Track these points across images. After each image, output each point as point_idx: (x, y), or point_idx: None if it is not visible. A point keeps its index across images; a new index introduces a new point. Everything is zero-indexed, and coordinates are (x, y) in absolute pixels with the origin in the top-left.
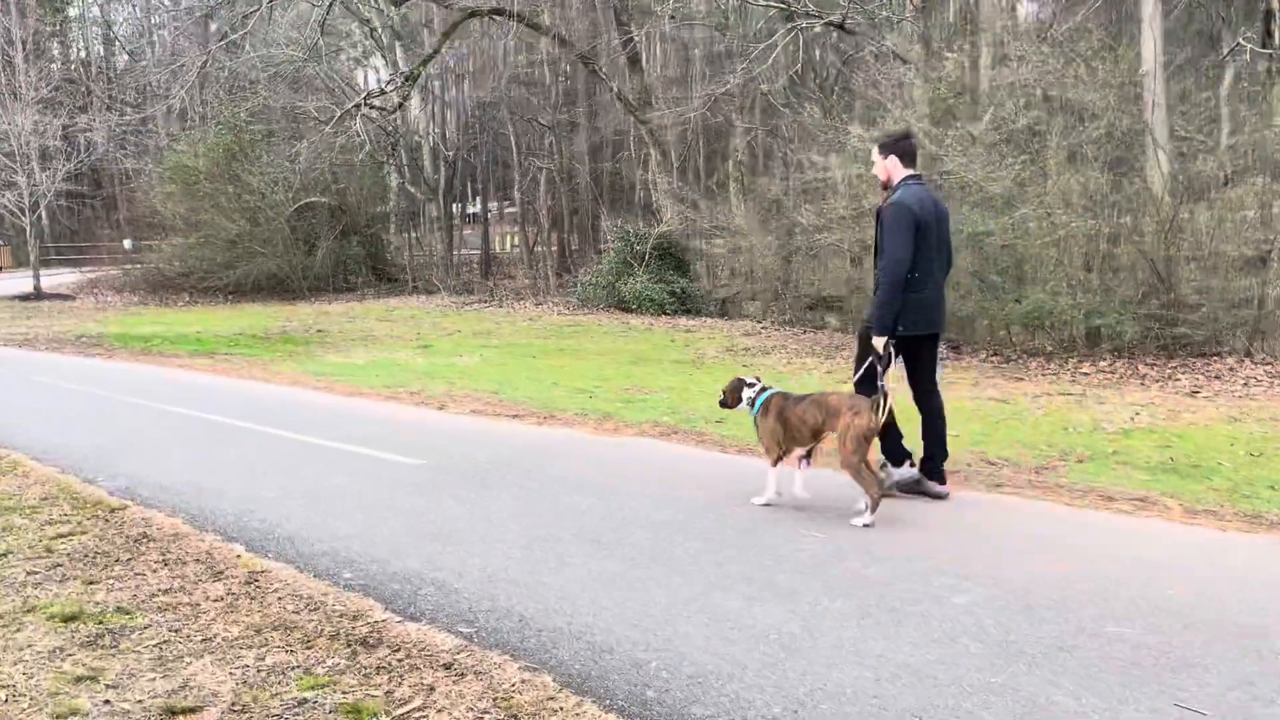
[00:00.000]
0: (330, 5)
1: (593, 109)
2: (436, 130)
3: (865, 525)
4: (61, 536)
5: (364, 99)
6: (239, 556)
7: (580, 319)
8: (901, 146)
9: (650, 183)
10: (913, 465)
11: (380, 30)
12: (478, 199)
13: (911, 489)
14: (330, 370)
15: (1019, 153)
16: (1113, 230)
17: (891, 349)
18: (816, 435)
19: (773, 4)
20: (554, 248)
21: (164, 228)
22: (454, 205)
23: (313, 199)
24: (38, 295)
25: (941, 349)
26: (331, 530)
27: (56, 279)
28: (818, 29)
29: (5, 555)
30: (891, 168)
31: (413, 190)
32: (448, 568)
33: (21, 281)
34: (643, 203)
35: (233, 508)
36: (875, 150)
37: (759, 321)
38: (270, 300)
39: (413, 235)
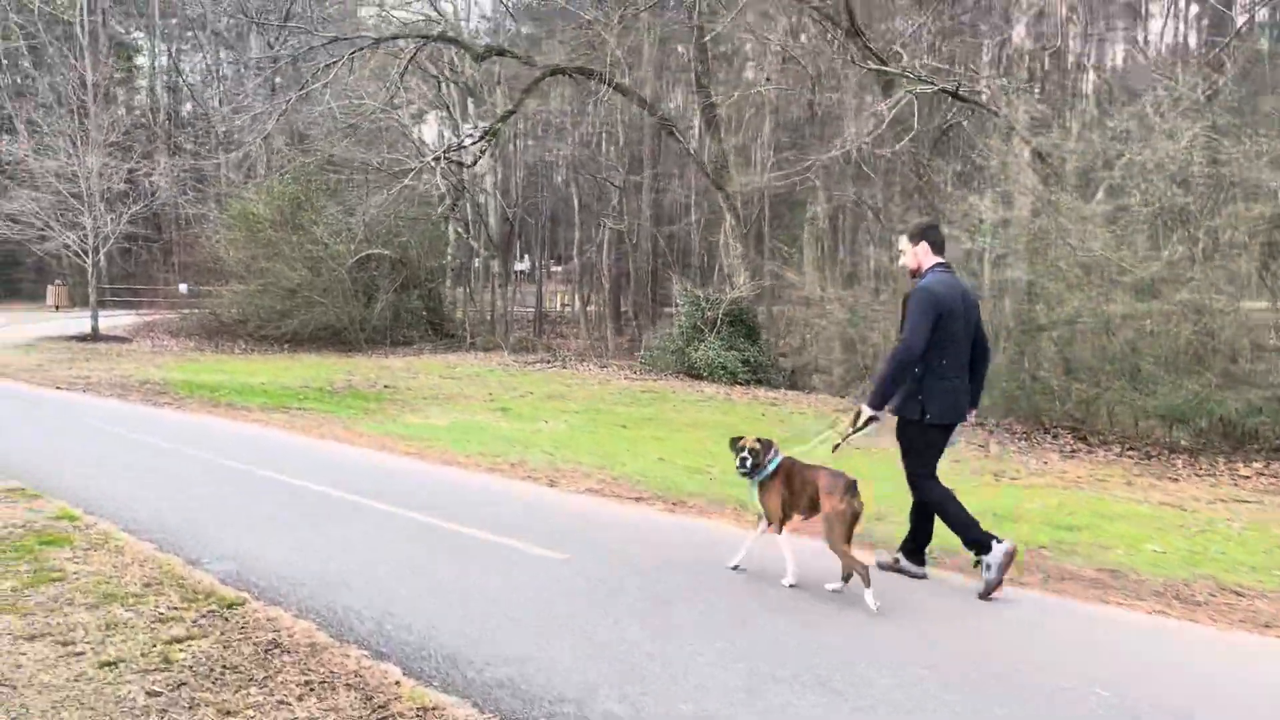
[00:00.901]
0: (411, 58)
1: (657, 170)
2: (499, 186)
3: (835, 589)
4: (178, 641)
5: (444, 152)
6: (398, 684)
7: (652, 385)
8: (930, 235)
9: (723, 247)
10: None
11: (448, 86)
12: (525, 256)
13: (890, 567)
14: (414, 433)
15: (1169, 232)
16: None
17: (876, 422)
18: (812, 506)
19: (885, 70)
20: (609, 309)
21: (223, 274)
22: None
23: (374, 251)
24: (95, 337)
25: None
26: (497, 649)
27: (113, 320)
28: (923, 92)
29: (116, 665)
30: (921, 255)
31: (474, 245)
32: (657, 717)
33: (79, 322)
34: (706, 266)
35: (368, 609)
36: (904, 239)
37: (840, 396)
38: (327, 351)
39: (468, 291)
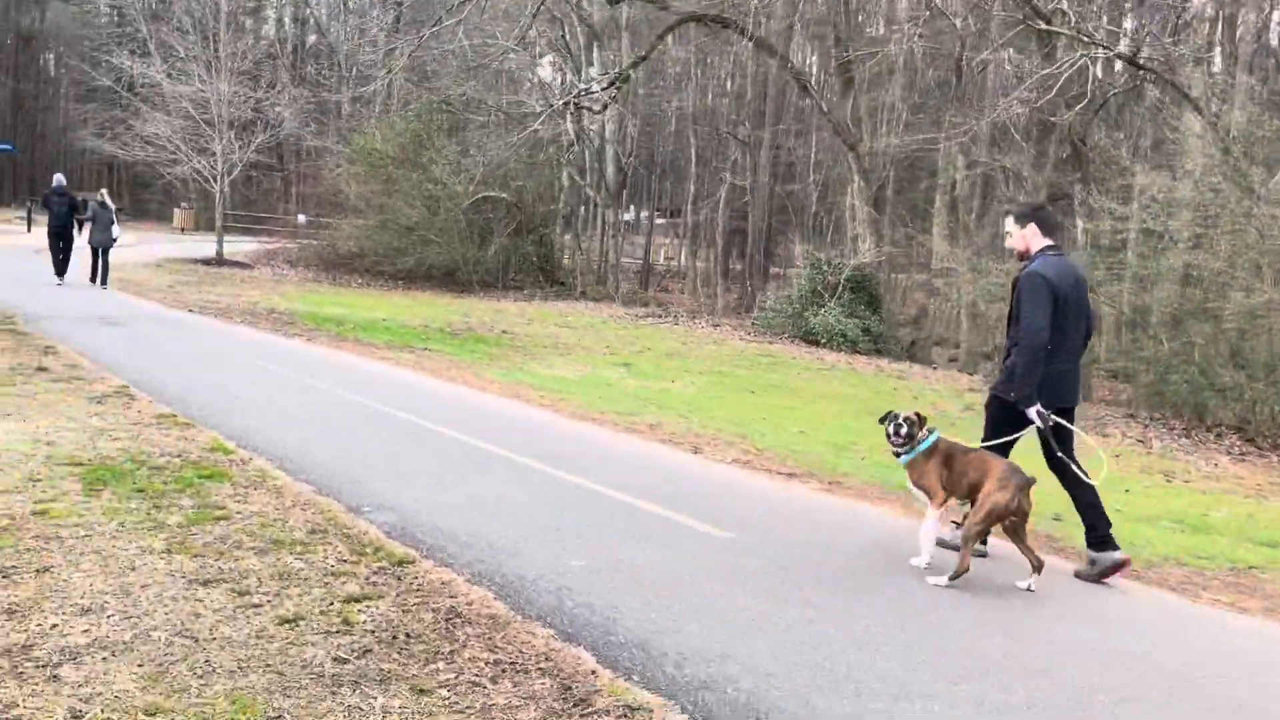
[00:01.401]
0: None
1: (779, 127)
2: (618, 133)
3: (942, 585)
4: (355, 601)
5: (574, 97)
6: (594, 674)
7: (769, 348)
8: (1039, 216)
9: (848, 209)
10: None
11: (573, 29)
12: (631, 206)
13: (1092, 575)
14: (544, 384)
15: None
16: None
17: (1052, 417)
18: (972, 492)
19: (1054, 30)
20: (719, 266)
21: (342, 207)
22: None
23: (491, 193)
24: (219, 261)
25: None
26: (689, 642)
27: (235, 246)
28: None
29: (296, 623)
30: (1030, 237)
31: (591, 193)
32: None
33: (203, 246)
34: (826, 229)
35: (544, 581)
36: (1011, 220)
37: (968, 373)
38: (441, 291)
39: (578, 239)
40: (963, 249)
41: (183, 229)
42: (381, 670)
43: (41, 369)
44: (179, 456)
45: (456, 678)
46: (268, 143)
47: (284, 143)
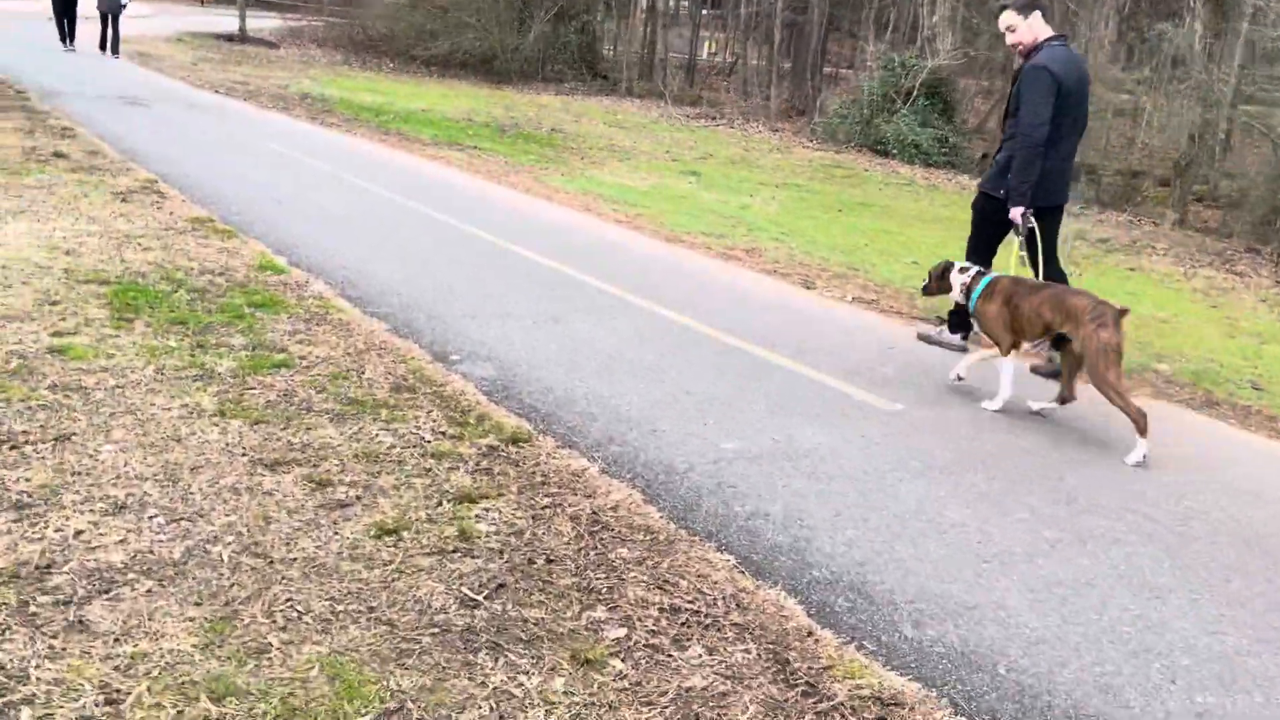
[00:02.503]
0: None
1: None
2: None
3: (1136, 464)
4: (468, 500)
5: None
6: (813, 638)
7: (837, 158)
8: (1040, 4)
9: (925, 4)
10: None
11: None
12: None
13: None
14: (615, 195)
15: None
16: None
17: (1033, 221)
18: (1046, 331)
19: None
20: (774, 65)
21: None
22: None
23: None
24: (243, 38)
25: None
26: (917, 581)
27: (258, 23)
28: None
29: (399, 535)
30: (1036, 27)
31: None
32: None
33: (225, 20)
34: (891, 25)
35: (695, 472)
36: (1010, 13)
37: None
38: (477, 80)
39: (620, 28)
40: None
41: (203, 1)
42: (525, 622)
43: (59, 155)
44: (223, 275)
45: (629, 636)
46: None
47: None
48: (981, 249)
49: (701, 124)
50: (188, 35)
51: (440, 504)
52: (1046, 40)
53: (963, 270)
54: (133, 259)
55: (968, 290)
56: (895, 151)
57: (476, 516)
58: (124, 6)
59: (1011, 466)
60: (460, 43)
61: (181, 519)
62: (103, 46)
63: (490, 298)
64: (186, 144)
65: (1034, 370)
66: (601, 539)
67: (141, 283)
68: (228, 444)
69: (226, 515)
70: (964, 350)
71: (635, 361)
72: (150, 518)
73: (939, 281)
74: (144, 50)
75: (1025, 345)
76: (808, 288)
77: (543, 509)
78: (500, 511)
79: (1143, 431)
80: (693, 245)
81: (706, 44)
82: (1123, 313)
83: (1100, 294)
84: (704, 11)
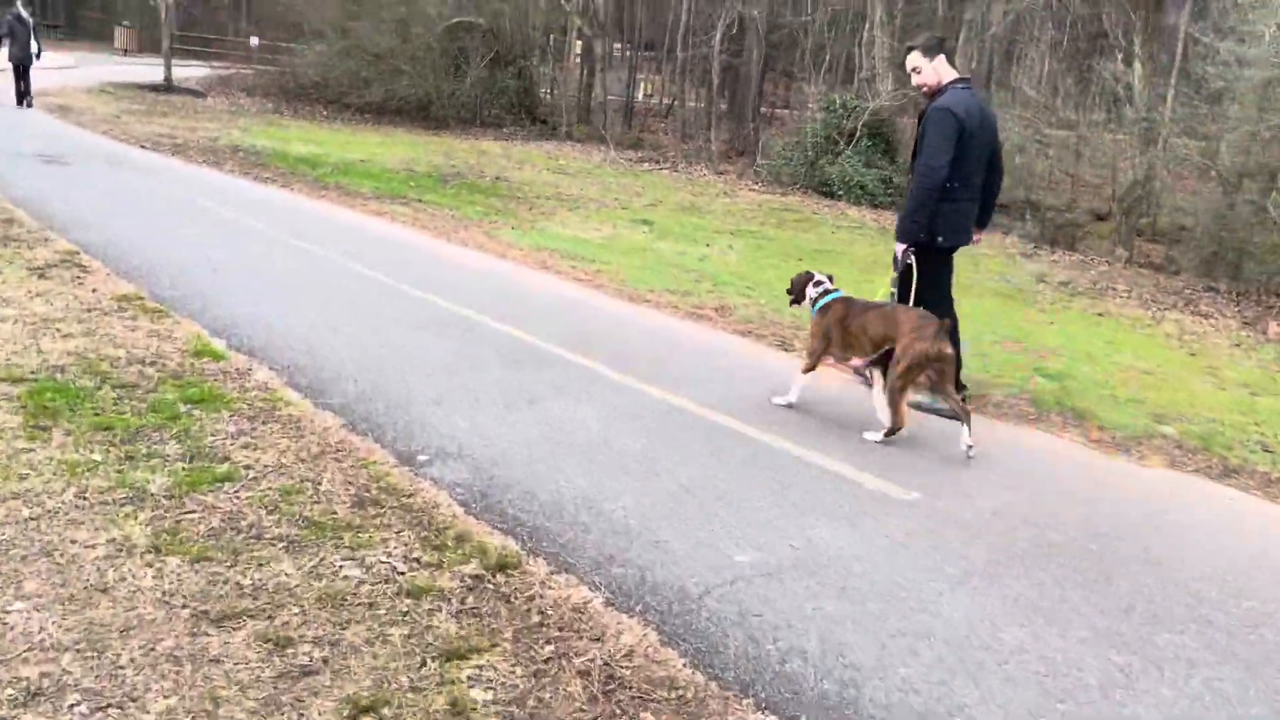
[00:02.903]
0: None
1: None
2: None
3: (876, 441)
4: (456, 656)
5: None
6: None
7: (785, 200)
8: (946, 47)
9: (864, 44)
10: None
11: None
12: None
13: (930, 409)
14: (570, 249)
15: None
16: None
17: (911, 258)
18: (876, 348)
19: None
20: (713, 107)
21: (301, 30)
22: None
23: (467, 18)
24: (168, 88)
25: None
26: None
27: (184, 71)
28: None
29: (380, 714)
30: (941, 69)
31: (578, 20)
32: None
33: (149, 69)
34: (830, 67)
35: (712, 596)
36: (918, 54)
37: (1004, 233)
38: (413, 127)
39: (562, 72)
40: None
41: (125, 50)
42: None
43: None
44: (154, 364)
45: None
46: None
47: None
48: (931, 291)
49: (645, 168)
50: (110, 86)
51: (424, 664)
52: (950, 83)
53: (817, 284)
54: (51, 349)
55: (814, 302)
56: (841, 193)
57: (469, 679)
58: (38, 56)
59: (1053, 567)
60: (395, 89)
61: (110, 705)
62: (19, 101)
63: (455, 377)
64: (111, 206)
65: (918, 407)
66: (619, 701)
67: (60, 379)
68: (164, 592)
69: (165, 697)
70: (955, 417)
71: (622, 451)
72: (71, 707)
73: (799, 291)
74: (64, 103)
75: (855, 362)
76: (785, 350)
77: (545, 662)
78: (496, 669)
79: (890, 434)
80: (658, 304)
81: (642, 86)
82: (943, 328)
83: (1075, 342)
84: (639, 54)
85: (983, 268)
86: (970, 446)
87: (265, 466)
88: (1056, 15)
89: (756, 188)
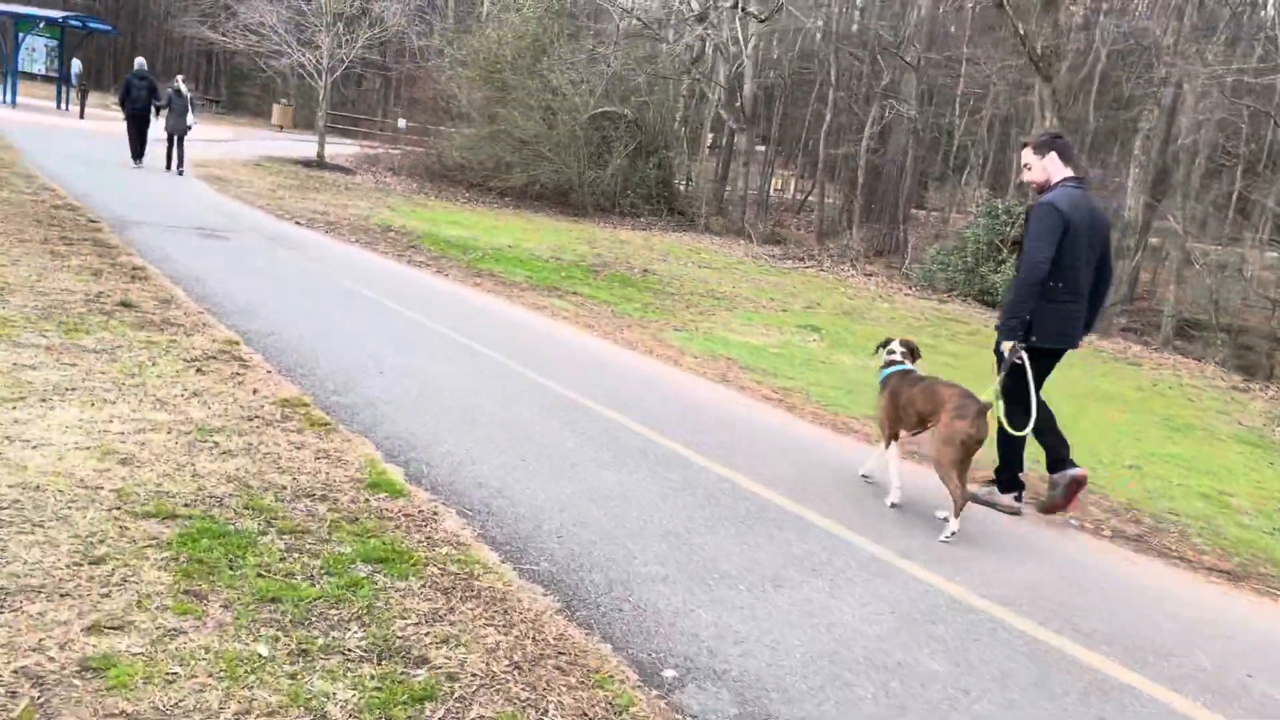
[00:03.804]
0: None
1: (933, 53)
2: (758, 48)
3: (947, 538)
4: None
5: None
6: None
7: (946, 309)
8: (1059, 145)
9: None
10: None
11: None
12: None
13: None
14: (745, 358)
15: None
16: None
17: (1023, 355)
18: (921, 423)
19: None
20: (857, 205)
21: (449, 113)
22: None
23: (612, 108)
24: (320, 164)
25: None
26: None
27: (333, 149)
28: None
29: None
30: (1051, 168)
31: (724, 114)
32: None
33: (303, 146)
34: (989, 172)
35: None
36: (1029, 151)
37: (1214, 363)
38: (553, 212)
39: (702, 164)
40: (1181, 208)
41: (281, 126)
42: None
43: (126, 304)
44: (325, 498)
45: None
46: (375, 39)
47: (388, 41)
48: (1019, 393)
49: (788, 265)
50: (266, 160)
51: None
52: (1061, 181)
53: (890, 352)
54: (208, 471)
55: (880, 370)
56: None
57: None
58: (191, 127)
59: None
60: (538, 175)
61: None
62: (168, 165)
63: (678, 541)
64: (269, 288)
65: (973, 499)
66: None
67: (219, 517)
68: None
69: None
70: (1017, 513)
71: (926, 677)
72: None
73: (879, 348)
74: (222, 174)
75: (903, 434)
76: (1084, 529)
77: None
78: None
79: (956, 513)
80: (868, 435)
81: (775, 181)
82: (985, 407)
83: None
84: (774, 149)
85: (1202, 404)
86: (949, 528)
87: (473, 676)
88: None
89: (911, 292)
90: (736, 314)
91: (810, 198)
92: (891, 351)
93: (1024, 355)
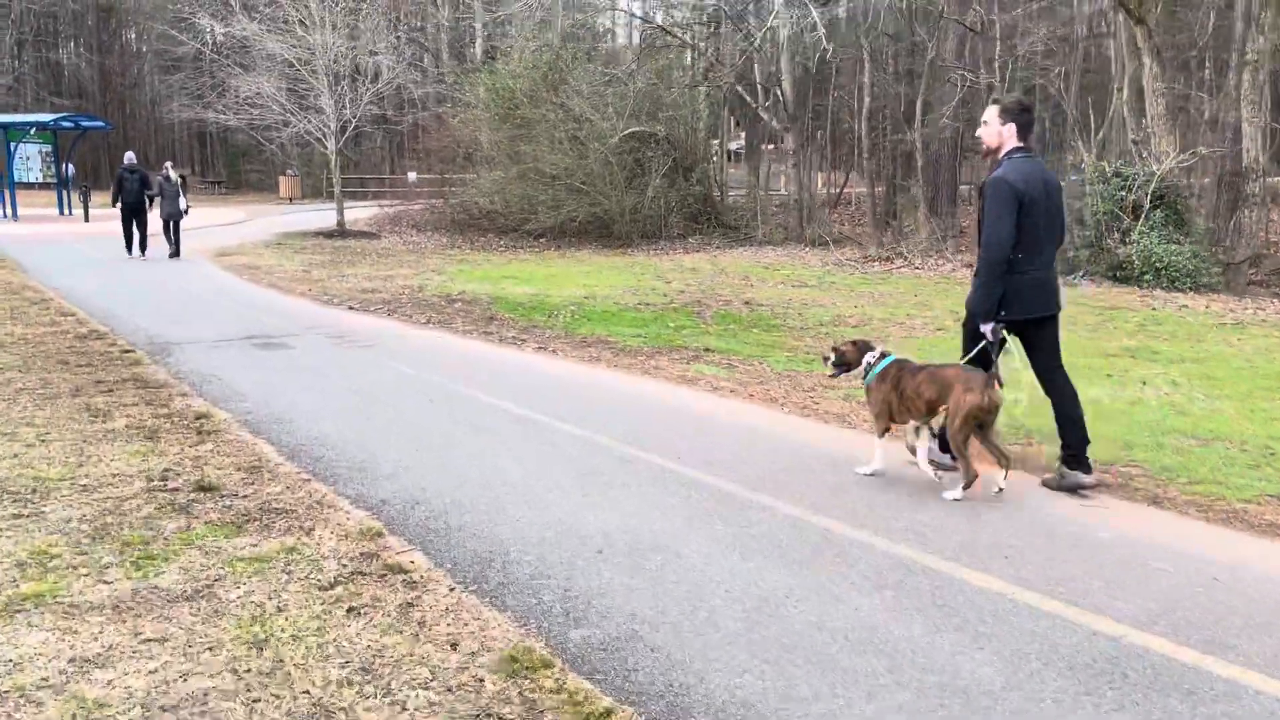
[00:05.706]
0: None
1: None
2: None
3: (955, 499)
4: None
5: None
6: None
7: (1094, 294)
8: (1022, 120)
9: (1126, 104)
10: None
11: None
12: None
13: (1060, 486)
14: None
15: None
16: None
17: (1004, 334)
18: (931, 409)
19: None
20: (929, 192)
21: (470, 159)
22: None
23: (640, 128)
24: (342, 233)
25: None
26: None
27: (352, 214)
28: None
29: None
30: (1006, 135)
31: (765, 115)
32: None
33: (318, 215)
34: (1083, 133)
35: None
36: (994, 109)
37: None
38: (596, 247)
39: (723, 173)
40: None
41: (290, 199)
42: None
43: (204, 488)
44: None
45: None
46: (379, 94)
47: (385, 95)
48: (979, 364)
49: (877, 269)
50: (285, 237)
51: None
52: (1009, 151)
53: (871, 350)
54: None
55: (868, 369)
56: (1149, 278)
57: None
58: (185, 212)
59: None
60: (574, 210)
61: None
62: (173, 255)
63: None
64: (370, 417)
65: (1044, 484)
66: None
67: None
68: None
69: None
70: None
71: None
72: None
73: (856, 357)
74: (249, 261)
75: (910, 424)
76: None
77: None
78: None
79: (967, 486)
80: (1178, 505)
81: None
82: (990, 378)
83: None
84: (808, 145)
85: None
86: (1000, 490)
87: None
88: None
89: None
90: (887, 345)
91: (845, 190)
92: (874, 348)
93: (1005, 334)
